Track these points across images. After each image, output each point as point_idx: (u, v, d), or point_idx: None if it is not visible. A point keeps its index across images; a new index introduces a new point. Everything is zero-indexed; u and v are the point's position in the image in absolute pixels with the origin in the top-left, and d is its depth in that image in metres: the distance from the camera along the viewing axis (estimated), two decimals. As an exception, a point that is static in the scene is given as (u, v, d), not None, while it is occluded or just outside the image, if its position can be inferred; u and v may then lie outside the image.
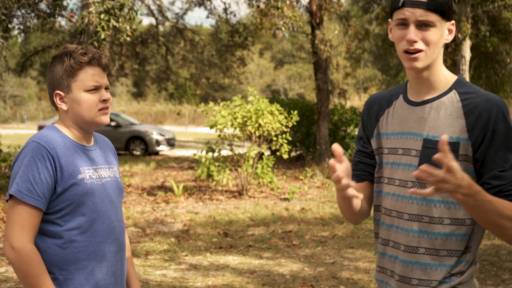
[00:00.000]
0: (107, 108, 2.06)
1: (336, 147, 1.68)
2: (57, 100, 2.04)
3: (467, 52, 12.66)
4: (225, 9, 17.27)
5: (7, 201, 1.99)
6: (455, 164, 1.49)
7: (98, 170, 2.07)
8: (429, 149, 1.73)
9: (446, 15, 1.73)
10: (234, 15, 17.67)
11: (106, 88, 2.07)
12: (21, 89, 47.02)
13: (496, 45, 15.09)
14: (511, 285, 5.08)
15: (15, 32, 11.89)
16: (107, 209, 2.06)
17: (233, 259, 6.05)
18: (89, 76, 2.02)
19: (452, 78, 1.80)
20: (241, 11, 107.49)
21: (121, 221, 2.14)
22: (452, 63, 14.24)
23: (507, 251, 6.16)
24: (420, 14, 1.69)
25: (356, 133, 15.04)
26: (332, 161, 1.66)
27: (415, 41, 1.71)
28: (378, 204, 1.90)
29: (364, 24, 21.51)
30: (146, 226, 7.63)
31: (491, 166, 1.67)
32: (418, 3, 1.70)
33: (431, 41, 1.72)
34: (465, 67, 12.59)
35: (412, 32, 1.71)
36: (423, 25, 1.71)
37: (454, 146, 1.69)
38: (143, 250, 6.37)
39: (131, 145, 18.15)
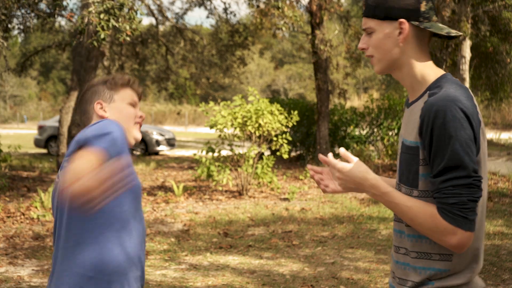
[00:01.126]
0: (140, 125, 2.19)
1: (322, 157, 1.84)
2: (97, 109, 2.12)
3: (467, 52, 12.66)
4: (225, 9, 17.27)
5: None
6: (344, 166, 1.71)
7: None
8: (402, 153, 1.75)
9: (385, 17, 1.73)
10: (234, 15, 17.67)
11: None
12: (21, 89, 47.05)
13: (496, 45, 15.10)
14: (511, 285, 5.08)
15: (15, 32, 11.89)
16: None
17: (233, 259, 6.05)
18: (129, 94, 2.17)
19: (432, 78, 1.74)
20: (241, 11, 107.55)
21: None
22: (452, 63, 14.25)
23: (507, 251, 6.16)
24: (364, 23, 1.79)
25: (356, 133, 15.09)
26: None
27: (364, 48, 1.80)
28: None
29: (364, 24, 21.49)
30: (146, 226, 7.63)
31: (430, 172, 1.67)
32: (363, 12, 1.80)
33: (374, 45, 1.77)
34: (465, 67, 12.59)
35: (361, 41, 1.82)
36: (368, 33, 1.79)
37: (415, 151, 1.69)
38: (143, 250, 6.37)
39: (131, 145, 18.13)
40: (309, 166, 1.89)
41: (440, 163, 1.61)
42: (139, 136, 2.16)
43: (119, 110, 2.13)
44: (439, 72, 1.76)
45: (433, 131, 1.61)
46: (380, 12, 1.73)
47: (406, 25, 1.72)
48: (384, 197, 1.68)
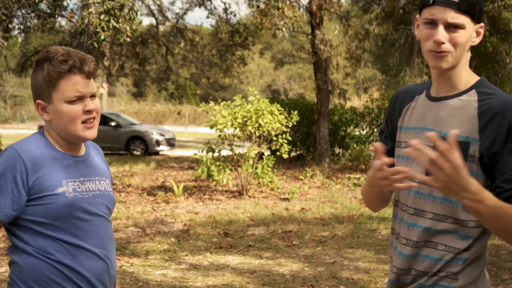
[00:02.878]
0: (92, 119, 1.88)
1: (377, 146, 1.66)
2: (39, 110, 1.88)
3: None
4: (225, 9, 17.28)
5: None
6: (458, 160, 1.47)
7: (86, 183, 1.93)
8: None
9: (476, 17, 1.71)
10: (234, 15, 17.67)
11: (93, 96, 1.88)
12: (21, 89, 47.03)
13: (496, 45, 15.10)
14: (511, 285, 5.09)
15: (16, 32, 11.90)
16: (92, 225, 1.91)
17: (233, 259, 6.06)
18: (71, 85, 1.83)
19: (474, 78, 1.77)
20: (241, 11, 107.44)
21: (110, 236, 1.99)
22: (452, 63, 14.25)
23: (507, 251, 6.17)
24: (451, 16, 1.67)
25: (356, 133, 15.10)
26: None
27: (443, 43, 1.69)
28: (396, 199, 1.90)
29: (364, 24, 21.50)
30: (146, 226, 7.64)
31: (503, 169, 1.63)
32: (449, 3, 1.67)
33: (459, 44, 1.70)
34: (465, 67, 12.57)
35: (441, 34, 1.68)
36: (452, 27, 1.69)
37: (463, 146, 1.66)
38: (143, 250, 6.38)
39: (131, 145, 18.16)
40: (375, 145, 1.66)
41: None
42: (88, 136, 1.89)
43: (58, 114, 1.84)
44: (475, 74, 1.80)
45: (510, 130, 1.62)
46: (475, 11, 1.70)
47: (483, 29, 1.75)
48: (486, 201, 1.55)
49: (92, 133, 1.89)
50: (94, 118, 1.88)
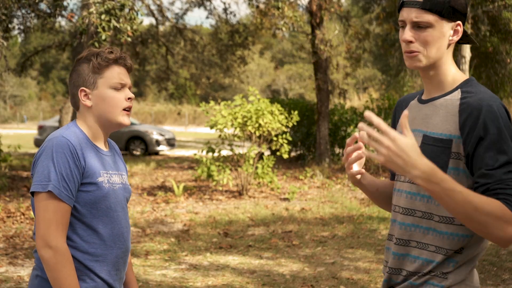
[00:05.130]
0: (130, 108, 2.08)
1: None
2: (81, 96, 2.04)
3: (467, 52, 12.66)
4: (225, 9, 17.27)
5: (31, 193, 1.94)
6: (395, 134, 1.53)
7: (113, 176, 2.07)
8: (426, 145, 1.74)
9: (446, 15, 1.73)
10: (234, 15, 17.67)
11: (129, 89, 2.11)
12: (21, 89, 47.02)
13: (496, 45, 15.11)
14: (511, 285, 5.09)
15: (15, 32, 11.89)
16: (118, 215, 2.05)
17: (233, 259, 6.06)
18: (116, 74, 2.04)
19: (462, 78, 1.80)
20: (241, 11, 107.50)
21: (129, 227, 2.14)
22: (452, 63, 14.25)
23: (507, 251, 6.17)
24: (415, 15, 1.72)
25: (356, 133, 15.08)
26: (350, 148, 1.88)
27: (410, 42, 1.74)
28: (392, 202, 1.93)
29: (364, 24, 21.51)
30: (146, 226, 7.64)
31: (480, 165, 1.65)
32: (413, 3, 1.72)
33: (428, 42, 1.73)
34: (465, 67, 12.59)
35: (407, 33, 1.74)
36: (419, 26, 1.73)
37: (446, 143, 1.70)
38: (143, 250, 6.38)
39: (131, 145, 18.15)
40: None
41: (500, 156, 1.62)
42: (127, 122, 2.07)
43: (103, 98, 2.03)
44: (464, 74, 1.84)
45: (486, 126, 1.64)
46: (443, 9, 1.72)
47: (461, 28, 1.77)
48: (442, 184, 1.54)
49: (129, 120, 2.09)
50: (131, 107, 2.10)
